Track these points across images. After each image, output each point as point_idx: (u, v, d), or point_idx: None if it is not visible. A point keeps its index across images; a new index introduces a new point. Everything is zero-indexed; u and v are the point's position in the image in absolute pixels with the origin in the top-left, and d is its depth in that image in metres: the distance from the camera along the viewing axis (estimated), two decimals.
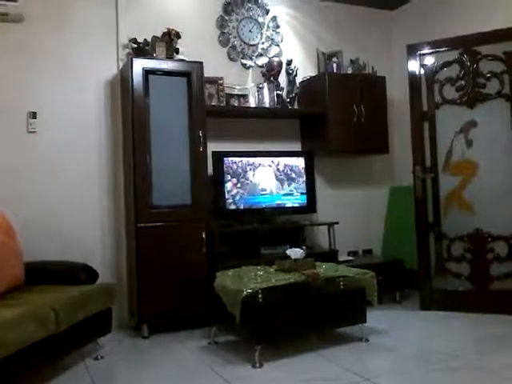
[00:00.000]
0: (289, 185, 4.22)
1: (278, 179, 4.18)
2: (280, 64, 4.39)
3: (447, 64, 3.94)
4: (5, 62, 3.55)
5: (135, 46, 3.77)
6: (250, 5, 4.42)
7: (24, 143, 3.59)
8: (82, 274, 3.12)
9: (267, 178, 4.14)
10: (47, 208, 3.60)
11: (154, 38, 3.81)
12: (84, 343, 3.02)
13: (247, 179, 4.06)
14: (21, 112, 3.59)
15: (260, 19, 4.46)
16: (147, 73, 3.60)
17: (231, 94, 4.20)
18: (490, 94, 3.80)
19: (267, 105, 4.27)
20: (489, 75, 3.80)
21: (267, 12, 4.49)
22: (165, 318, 3.55)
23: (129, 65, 3.58)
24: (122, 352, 3.23)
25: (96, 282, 3.16)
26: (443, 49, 3.97)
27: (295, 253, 3.35)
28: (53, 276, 3.14)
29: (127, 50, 3.84)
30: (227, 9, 4.33)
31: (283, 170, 4.21)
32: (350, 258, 4.37)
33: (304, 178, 4.27)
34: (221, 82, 4.12)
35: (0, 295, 2.77)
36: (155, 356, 3.12)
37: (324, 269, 3.30)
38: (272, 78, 4.34)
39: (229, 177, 3.98)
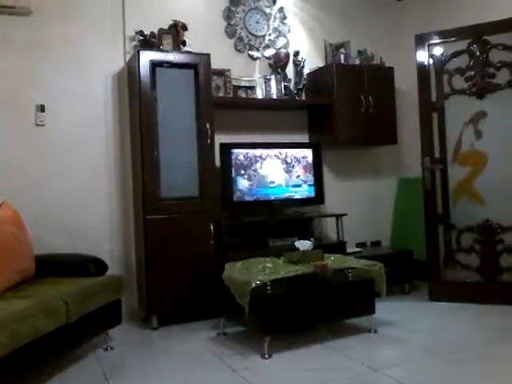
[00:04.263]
0: (297, 176, 4.21)
1: (285, 171, 4.17)
2: (287, 55, 4.37)
3: (456, 54, 3.91)
4: (12, 55, 3.56)
5: (142, 38, 3.76)
6: None
7: (32, 136, 3.61)
8: (91, 265, 3.13)
9: (275, 169, 4.13)
10: (55, 201, 3.62)
11: (161, 30, 3.80)
12: (94, 334, 3.04)
13: (255, 171, 4.05)
14: (29, 105, 3.60)
15: (267, 10, 4.44)
16: (154, 65, 3.59)
17: (238, 86, 4.18)
18: (499, 84, 3.76)
19: (274, 96, 4.25)
20: (499, 65, 3.76)
21: (274, 3, 4.46)
22: (174, 309, 3.56)
23: (136, 57, 3.57)
24: (131, 343, 3.26)
25: (105, 273, 3.18)
26: (452, 39, 3.93)
27: (303, 244, 3.34)
28: (62, 268, 3.16)
29: (134, 43, 3.83)
30: (234, 0, 4.31)
31: (291, 162, 4.20)
32: (359, 249, 4.37)
33: (312, 170, 4.26)
34: (228, 73, 4.11)
35: (11, 287, 2.80)
36: (164, 347, 3.14)
37: (332, 260, 3.30)
38: (279, 70, 4.32)
39: (236, 169, 3.98)
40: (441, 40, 3.97)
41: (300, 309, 3.01)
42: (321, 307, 3.09)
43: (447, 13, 4.39)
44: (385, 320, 3.39)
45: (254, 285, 2.86)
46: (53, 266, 3.17)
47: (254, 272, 3.07)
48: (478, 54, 3.82)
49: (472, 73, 3.85)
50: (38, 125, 3.63)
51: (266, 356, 2.83)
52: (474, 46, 3.83)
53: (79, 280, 2.96)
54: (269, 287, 2.89)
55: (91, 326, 2.92)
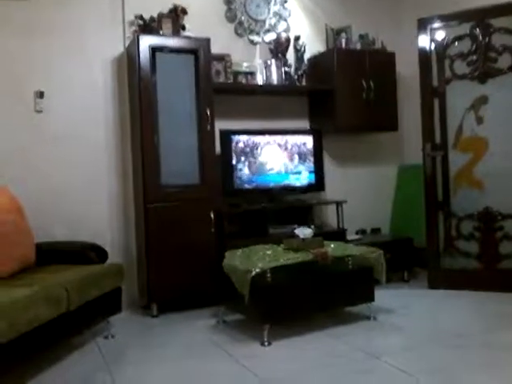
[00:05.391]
0: (297, 163, 4.19)
1: (286, 158, 4.15)
2: (288, 39, 4.32)
3: (458, 38, 3.87)
4: (11, 41, 3.52)
5: (141, 22, 3.72)
6: None
7: (31, 123, 3.58)
8: (91, 253, 3.14)
9: (275, 156, 4.11)
10: (55, 188, 3.61)
11: (161, 14, 3.75)
12: (95, 322, 3.05)
13: (255, 158, 4.03)
14: (28, 91, 3.57)
15: None
16: (154, 50, 3.55)
17: (238, 71, 4.14)
18: (501, 68, 3.73)
19: (275, 82, 4.20)
20: (501, 49, 3.72)
21: None
22: (174, 297, 3.58)
23: (135, 42, 3.53)
24: (132, 331, 3.27)
25: (106, 261, 3.18)
26: (454, 22, 3.88)
27: (303, 232, 3.34)
28: (63, 256, 3.16)
29: (133, 28, 3.78)
30: None
31: (291, 149, 4.17)
32: (359, 236, 4.37)
33: (312, 157, 4.24)
34: (228, 58, 4.07)
35: (12, 275, 2.80)
36: (165, 335, 3.16)
37: (332, 248, 3.30)
38: (280, 55, 4.27)
39: (237, 155, 3.96)
40: (443, 24, 3.93)
41: (300, 296, 3.02)
42: (320, 295, 3.09)
43: None
44: (384, 307, 3.40)
45: (254, 273, 2.87)
46: (53, 254, 3.18)
47: (254, 260, 3.07)
48: (481, 37, 3.77)
49: (474, 57, 3.81)
50: (37, 111, 3.60)
51: (266, 344, 2.84)
52: (477, 29, 3.78)
53: (80, 268, 2.96)
54: (269, 275, 2.89)
55: (92, 313, 2.93)
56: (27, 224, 3.09)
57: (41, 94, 3.59)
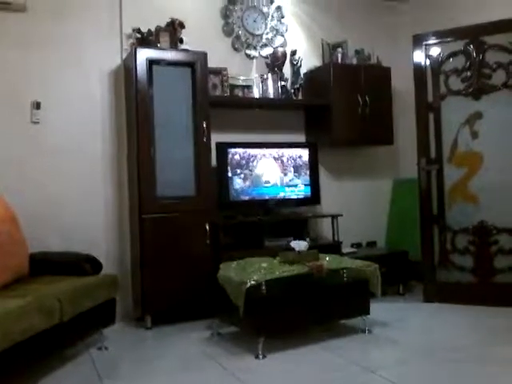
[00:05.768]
0: (293, 176, 4.20)
1: (281, 171, 4.16)
2: (284, 54, 4.36)
3: (453, 54, 3.91)
4: (8, 52, 3.54)
5: (139, 35, 3.74)
6: None
7: (28, 134, 3.59)
8: (86, 264, 3.12)
9: (271, 169, 4.13)
10: (51, 199, 3.60)
11: (158, 27, 3.78)
12: (88, 334, 3.04)
13: (251, 170, 4.05)
14: (24, 102, 3.58)
15: (265, 9, 4.42)
16: (151, 63, 3.58)
17: (235, 85, 4.17)
18: (495, 85, 3.77)
19: (271, 96, 4.24)
20: (495, 66, 3.76)
21: (272, 2, 4.45)
22: (168, 308, 3.56)
23: (133, 55, 3.56)
24: (125, 343, 3.25)
25: (100, 272, 3.16)
26: (449, 39, 3.93)
27: (299, 245, 3.34)
28: (57, 267, 3.14)
29: (131, 40, 3.81)
30: None
31: (287, 162, 4.19)
32: (354, 249, 4.37)
33: (308, 170, 4.26)
34: (225, 72, 4.10)
35: (5, 285, 2.78)
36: (158, 347, 3.14)
37: (328, 260, 3.30)
38: (276, 69, 4.31)
39: (232, 168, 3.97)
40: (438, 40, 3.97)
41: (295, 309, 3.01)
42: (316, 307, 3.09)
43: (444, 13, 4.39)
44: (380, 321, 3.39)
45: (249, 285, 2.86)
46: (48, 265, 3.16)
47: (249, 272, 3.06)
48: (475, 54, 3.82)
49: (468, 73, 3.85)
50: (33, 122, 3.61)
51: (261, 357, 2.83)
52: (471, 46, 3.83)
53: (74, 279, 2.95)
54: (264, 287, 2.88)
55: (85, 325, 2.91)
56: (22, 234, 3.08)
57: (37, 105, 3.60)
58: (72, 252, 3.32)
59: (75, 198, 3.70)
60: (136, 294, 3.70)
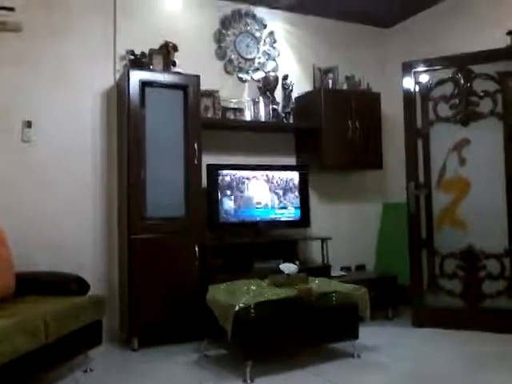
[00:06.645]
0: (283, 199, 4.21)
1: (272, 193, 4.18)
2: (276, 79, 4.42)
3: (441, 82, 3.98)
4: (1, 71, 3.55)
5: (132, 57, 3.78)
6: (247, 20, 4.45)
7: (18, 153, 3.58)
8: (73, 285, 3.08)
9: (261, 191, 4.14)
10: (40, 218, 3.58)
11: (152, 50, 3.82)
12: (74, 355, 2.97)
13: (241, 192, 4.06)
14: (16, 121, 3.58)
15: (257, 34, 4.50)
16: (144, 85, 3.61)
17: (227, 107, 4.21)
18: (483, 112, 3.84)
19: (263, 119, 4.28)
20: (482, 94, 3.84)
21: (264, 27, 4.53)
22: (155, 331, 3.51)
23: (125, 76, 3.59)
24: (111, 365, 3.19)
25: (87, 293, 3.13)
26: (438, 67, 4.01)
27: (288, 267, 3.34)
28: (44, 287, 3.11)
29: (124, 62, 3.86)
30: (225, 23, 4.36)
31: (277, 184, 4.21)
32: (343, 273, 4.37)
33: (298, 193, 4.28)
34: (217, 94, 4.14)
35: None
36: (145, 370, 3.09)
37: (317, 284, 3.30)
38: (268, 93, 4.36)
39: (223, 190, 3.98)
40: (427, 68, 4.05)
41: (283, 333, 2.99)
42: (304, 331, 3.06)
43: (434, 42, 4.48)
44: (368, 345, 3.37)
45: (237, 308, 2.84)
46: (34, 284, 3.12)
47: (237, 295, 3.05)
48: (463, 82, 3.89)
49: (456, 101, 3.92)
50: (24, 141, 3.60)
51: (248, 381, 2.79)
52: (459, 74, 3.90)
53: (61, 299, 2.91)
54: (252, 310, 2.86)
55: (71, 346, 2.86)
56: (8, 253, 3.05)
57: (29, 124, 3.60)
58: (59, 272, 3.28)
59: (64, 217, 3.68)
60: (123, 315, 3.66)
